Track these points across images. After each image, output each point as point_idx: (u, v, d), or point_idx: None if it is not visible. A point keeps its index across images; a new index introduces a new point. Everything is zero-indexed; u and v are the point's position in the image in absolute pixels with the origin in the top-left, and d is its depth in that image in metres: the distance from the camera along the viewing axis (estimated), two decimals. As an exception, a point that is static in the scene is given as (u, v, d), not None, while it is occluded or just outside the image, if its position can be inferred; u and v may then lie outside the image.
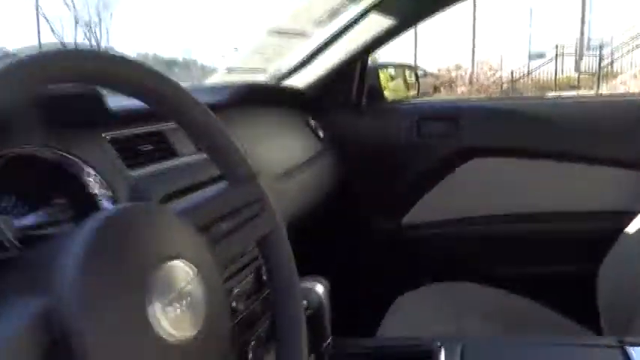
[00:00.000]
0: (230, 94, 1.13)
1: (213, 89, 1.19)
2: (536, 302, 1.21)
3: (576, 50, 12.96)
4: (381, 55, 1.68)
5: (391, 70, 1.84)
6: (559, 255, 1.49)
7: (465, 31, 15.83)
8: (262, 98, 1.31)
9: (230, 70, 1.50)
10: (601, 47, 12.10)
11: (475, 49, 15.68)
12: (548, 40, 13.54)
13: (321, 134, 1.55)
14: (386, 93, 1.69)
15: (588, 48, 12.94)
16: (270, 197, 0.60)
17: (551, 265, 1.49)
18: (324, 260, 1.19)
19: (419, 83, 1.84)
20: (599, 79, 11.57)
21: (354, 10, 1.42)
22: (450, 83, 14.41)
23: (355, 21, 1.45)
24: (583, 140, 1.42)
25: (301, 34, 1.37)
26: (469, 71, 14.57)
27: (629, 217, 1.30)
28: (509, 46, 14.20)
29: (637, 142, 1.37)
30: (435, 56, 14.96)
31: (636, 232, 1.27)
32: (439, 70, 14.89)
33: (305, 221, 1.25)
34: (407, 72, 1.84)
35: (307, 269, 0.73)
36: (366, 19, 1.44)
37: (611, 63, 11.75)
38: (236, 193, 0.57)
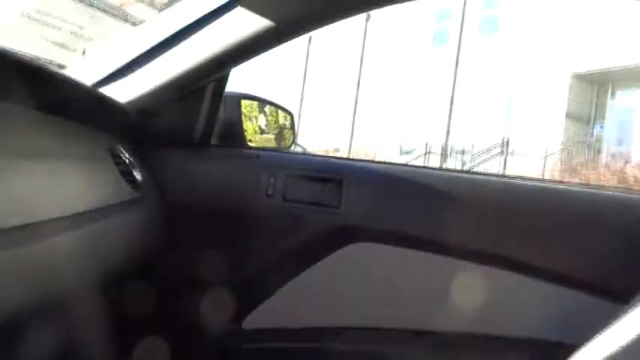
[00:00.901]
0: None
1: None
2: None
3: (442, 151, 13.92)
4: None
5: (261, 118, 1.35)
6: None
7: (345, 119, 16.55)
8: (38, 95, 0.74)
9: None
10: (463, 152, 13.15)
11: (353, 136, 16.34)
12: (417, 138, 14.47)
13: (138, 176, 0.99)
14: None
15: (452, 151, 13.98)
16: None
17: None
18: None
19: (295, 132, 1.39)
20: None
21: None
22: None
23: (215, 14, 0.97)
24: (501, 237, 1.03)
25: (121, 17, 0.85)
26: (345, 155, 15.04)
27: (554, 348, 0.92)
28: (383, 139, 14.96)
29: (573, 248, 1.00)
30: (315, 137, 15.28)
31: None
32: (318, 150, 15.15)
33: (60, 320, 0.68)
34: (282, 117, 1.38)
35: None
36: (231, 14, 0.97)
37: (471, 168, 12.77)
38: None
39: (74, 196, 0.76)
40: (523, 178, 1.16)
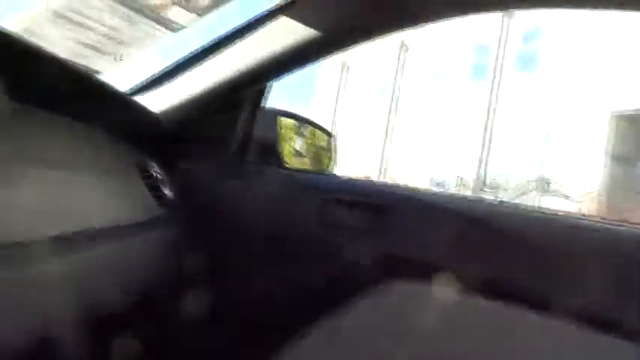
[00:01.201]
0: None
1: None
2: None
3: (474, 185, 13.61)
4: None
5: (297, 140, 1.27)
6: None
7: (377, 146, 16.48)
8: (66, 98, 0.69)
9: None
10: (496, 187, 12.83)
11: (387, 165, 16.24)
12: (449, 170, 14.24)
13: (167, 192, 0.93)
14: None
15: (485, 184, 13.65)
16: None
17: None
18: None
19: (334, 156, 1.31)
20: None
21: (255, 6, 0.88)
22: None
23: (257, 23, 0.91)
24: (573, 285, 0.91)
25: (158, 21, 0.80)
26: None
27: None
28: (415, 169, 14.79)
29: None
30: (345, 163, 15.23)
31: None
32: (350, 176, 15.07)
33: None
34: (320, 138, 1.30)
35: None
36: (275, 24, 0.90)
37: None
38: None
39: (94, 210, 0.70)
40: (576, 216, 1.05)
